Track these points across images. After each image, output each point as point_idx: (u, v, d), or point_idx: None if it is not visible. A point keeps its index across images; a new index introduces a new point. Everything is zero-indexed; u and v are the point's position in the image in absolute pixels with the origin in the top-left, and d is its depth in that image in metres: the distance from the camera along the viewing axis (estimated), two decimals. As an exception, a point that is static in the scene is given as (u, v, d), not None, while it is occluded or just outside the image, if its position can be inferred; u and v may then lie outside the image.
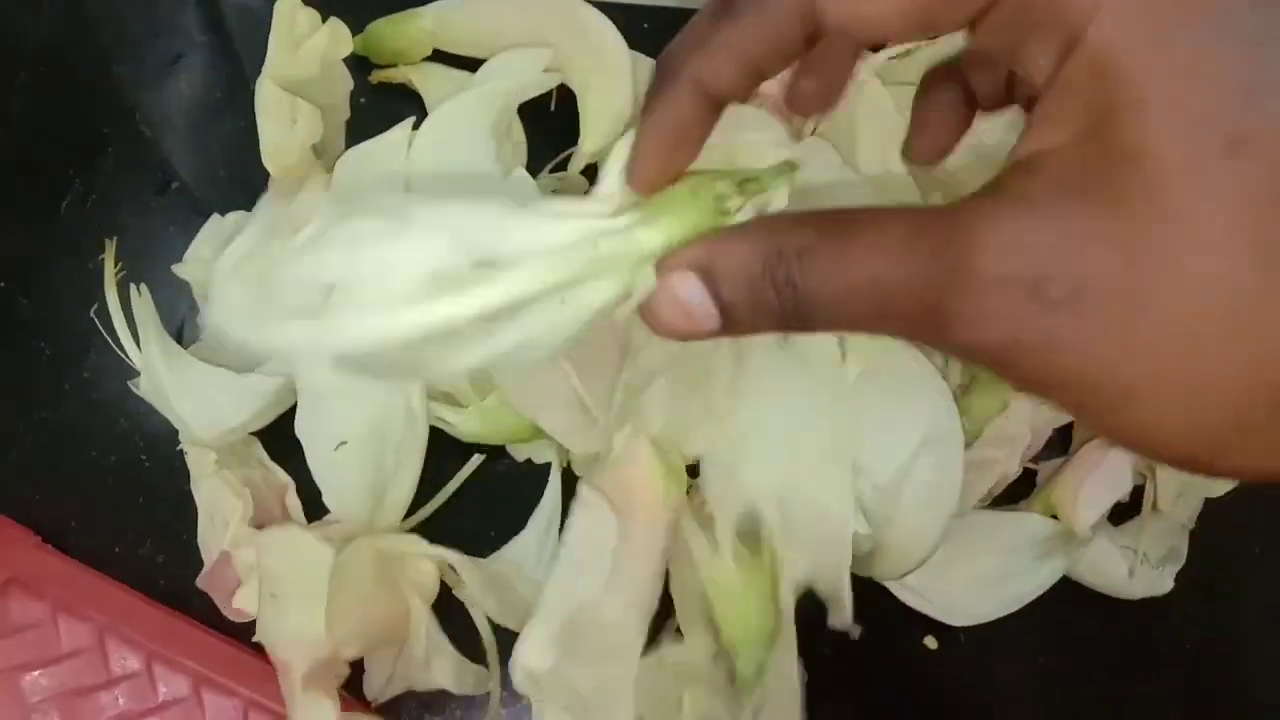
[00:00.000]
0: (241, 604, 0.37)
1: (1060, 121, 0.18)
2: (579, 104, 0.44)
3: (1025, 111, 0.24)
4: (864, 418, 0.36)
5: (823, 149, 0.40)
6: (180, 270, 0.41)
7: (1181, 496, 0.41)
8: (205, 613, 0.39)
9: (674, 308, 0.21)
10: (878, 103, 0.39)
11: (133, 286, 0.40)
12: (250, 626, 0.38)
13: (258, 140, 0.42)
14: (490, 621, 0.37)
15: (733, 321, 0.21)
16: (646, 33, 0.49)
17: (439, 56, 0.46)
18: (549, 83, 0.42)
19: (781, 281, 0.20)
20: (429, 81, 0.45)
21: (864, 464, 0.36)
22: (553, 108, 0.45)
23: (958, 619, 0.40)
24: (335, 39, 0.41)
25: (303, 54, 0.40)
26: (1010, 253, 0.18)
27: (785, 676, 0.33)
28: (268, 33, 0.42)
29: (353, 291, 0.21)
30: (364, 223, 0.22)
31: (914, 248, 0.19)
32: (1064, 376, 0.18)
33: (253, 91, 0.42)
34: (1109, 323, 0.17)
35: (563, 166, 0.44)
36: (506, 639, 0.37)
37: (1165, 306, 0.17)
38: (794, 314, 0.20)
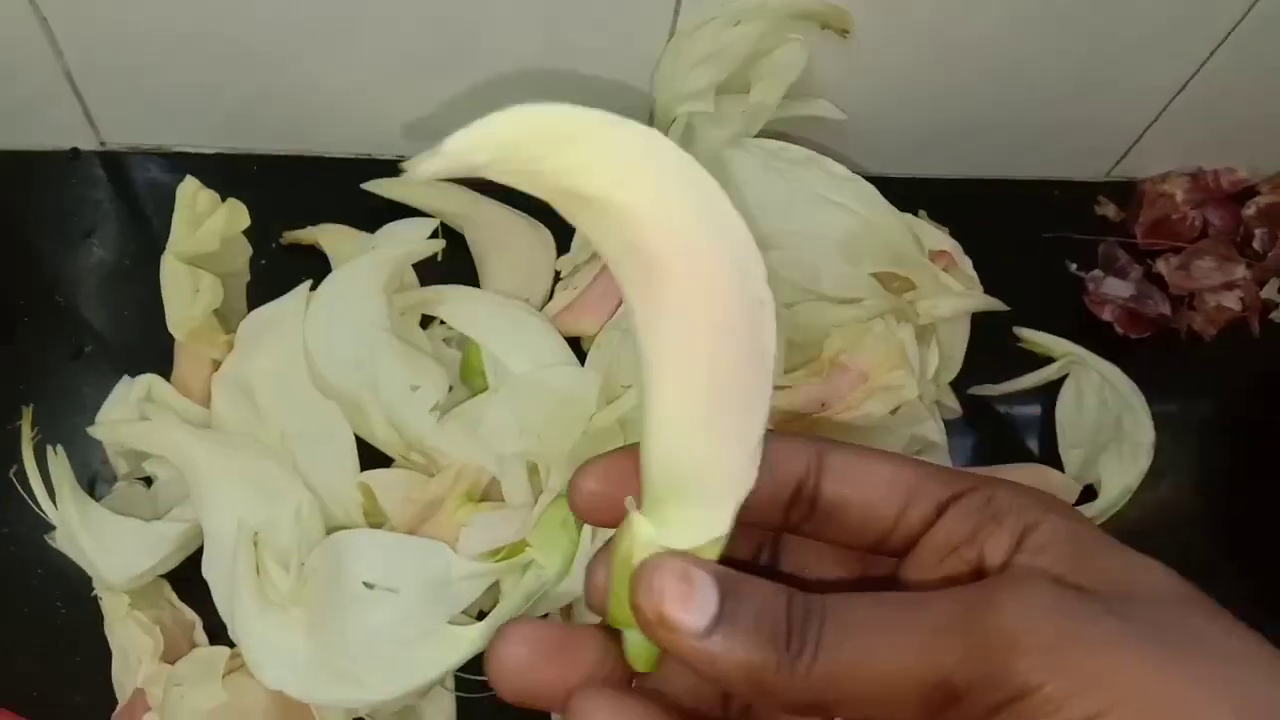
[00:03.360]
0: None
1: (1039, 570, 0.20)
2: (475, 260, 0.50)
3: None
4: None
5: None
6: (94, 431, 0.45)
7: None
8: (121, 749, 0.42)
9: (676, 585, 0.19)
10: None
11: (49, 448, 0.43)
12: (163, 758, 0.41)
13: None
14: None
15: (720, 640, 0.19)
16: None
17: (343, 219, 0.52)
18: (435, 247, 0.47)
19: (799, 628, 0.19)
20: (334, 242, 0.50)
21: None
22: (439, 259, 0.51)
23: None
24: (233, 217, 0.46)
25: (203, 232, 0.45)
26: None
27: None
28: (172, 206, 0.47)
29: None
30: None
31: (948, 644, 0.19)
32: None
33: (159, 261, 0.46)
34: None
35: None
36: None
37: None
38: (794, 665, 0.19)
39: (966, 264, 0.46)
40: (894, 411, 0.41)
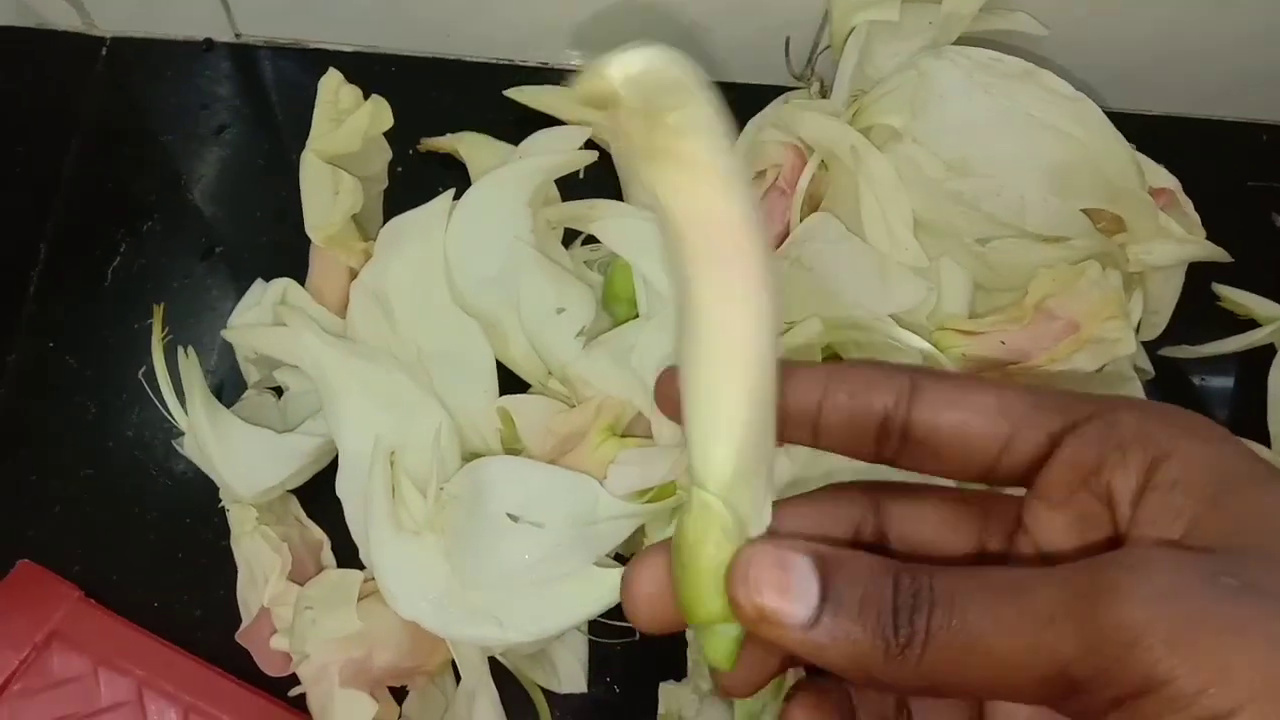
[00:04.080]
0: (276, 645, 0.38)
1: (1166, 520, 0.18)
2: (621, 177, 0.46)
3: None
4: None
5: (828, 220, 0.42)
6: (227, 334, 0.42)
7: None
8: (243, 668, 0.40)
9: (773, 574, 0.18)
10: (880, 173, 0.41)
11: (180, 349, 0.41)
12: (287, 681, 0.39)
13: (298, 208, 0.44)
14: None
15: (825, 629, 0.18)
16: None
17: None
18: (586, 159, 0.43)
19: (907, 613, 0.18)
20: (474, 152, 0.47)
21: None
22: (581, 176, 0.47)
23: None
24: (377, 115, 0.43)
25: (345, 129, 0.42)
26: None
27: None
28: (308, 105, 0.44)
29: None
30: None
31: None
32: None
33: (293, 162, 0.44)
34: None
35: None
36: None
37: None
38: (904, 653, 0.18)
39: (1188, 205, 0.40)
40: (1101, 369, 0.37)
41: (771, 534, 0.20)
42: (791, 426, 0.22)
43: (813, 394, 0.21)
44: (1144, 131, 0.46)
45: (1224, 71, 0.52)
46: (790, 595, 0.18)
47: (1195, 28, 0.49)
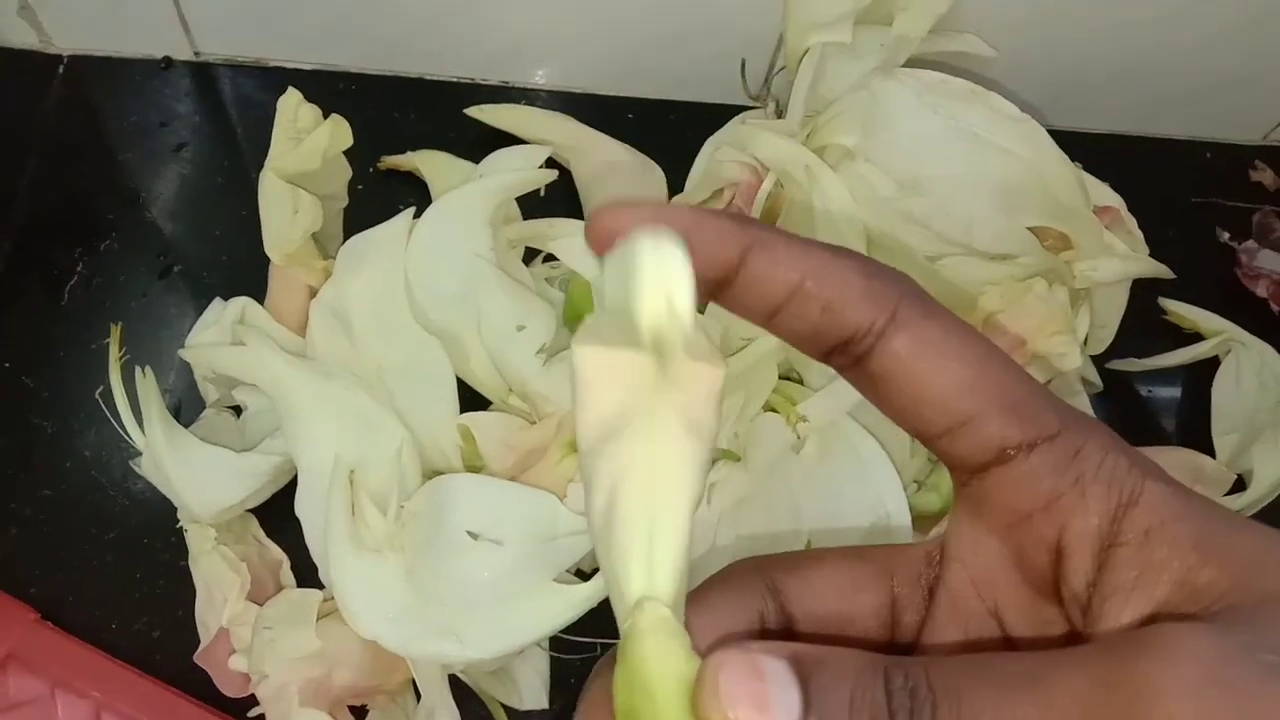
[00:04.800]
0: (235, 665, 0.38)
1: (1147, 578, 0.17)
2: (581, 196, 0.46)
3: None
4: (817, 499, 0.38)
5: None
6: (185, 353, 0.42)
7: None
8: (200, 688, 0.39)
9: (748, 685, 0.16)
10: (834, 192, 0.41)
11: (137, 369, 0.41)
12: (246, 702, 0.39)
13: (258, 226, 0.44)
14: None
15: None
16: (630, 122, 0.52)
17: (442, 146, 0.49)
18: (546, 177, 0.44)
19: (905, 709, 0.16)
20: (435, 170, 0.47)
21: (815, 544, 0.38)
22: (542, 194, 0.47)
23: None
24: (336, 134, 0.43)
25: (305, 148, 0.42)
26: None
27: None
28: (267, 123, 0.44)
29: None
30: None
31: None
32: None
33: (252, 180, 0.44)
34: None
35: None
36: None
37: None
38: None
39: (1132, 223, 0.42)
40: (1048, 382, 0.37)
41: (732, 637, 0.18)
42: (745, 308, 0.19)
43: (781, 287, 0.19)
44: (1089, 149, 0.48)
45: (1166, 89, 0.53)
46: (769, 708, 0.16)
47: (1137, 46, 0.51)
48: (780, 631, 0.20)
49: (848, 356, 0.19)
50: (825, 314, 0.19)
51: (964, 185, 0.39)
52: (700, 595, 0.20)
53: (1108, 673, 0.15)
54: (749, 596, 0.20)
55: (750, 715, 0.16)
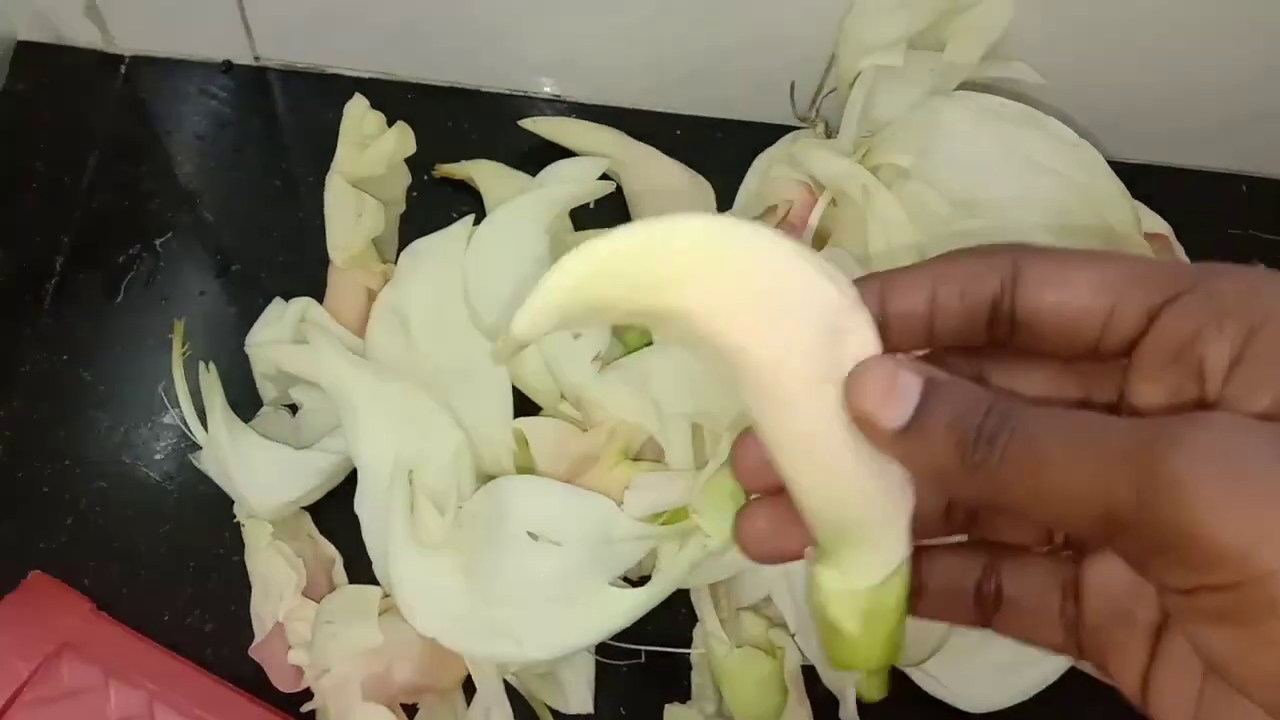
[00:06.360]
0: (295, 659, 0.39)
1: (1255, 391, 0.19)
2: (630, 209, 0.47)
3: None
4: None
5: (841, 257, 0.44)
6: (250, 349, 0.43)
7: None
8: (252, 682, 0.40)
9: (880, 385, 0.20)
10: (889, 211, 0.42)
11: (200, 364, 0.42)
12: (298, 698, 0.39)
13: (313, 229, 0.45)
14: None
15: (917, 434, 0.20)
16: (678, 139, 0.53)
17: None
18: (604, 189, 0.45)
19: (988, 436, 0.19)
20: (489, 179, 0.48)
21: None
22: (591, 206, 0.48)
23: (973, 706, 0.41)
24: (402, 141, 0.44)
25: (371, 154, 0.43)
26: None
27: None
28: (323, 129, 0.45)
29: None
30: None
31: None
32: None
33: (309, 184, 0.45)
34: None
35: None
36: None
37: None
38: (982, 461, 0.19)
39: (1179, 250, 0.42)
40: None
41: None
42: (903, 334, 0.22)
43: (920, 298, 0.22)
44: (1125, 179, 0.49)
45: (1204, 122, 0.54)
46: (889, 406, 0.20)
47: (1171, 79, 0.52)
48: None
49: (1002, 321, 0.21)
50: (964, 298, 0.21)
51: (1018, 207, 0.39)
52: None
53: (1150, 432, 0.17)
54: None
55: (874, 408, 0.20)
